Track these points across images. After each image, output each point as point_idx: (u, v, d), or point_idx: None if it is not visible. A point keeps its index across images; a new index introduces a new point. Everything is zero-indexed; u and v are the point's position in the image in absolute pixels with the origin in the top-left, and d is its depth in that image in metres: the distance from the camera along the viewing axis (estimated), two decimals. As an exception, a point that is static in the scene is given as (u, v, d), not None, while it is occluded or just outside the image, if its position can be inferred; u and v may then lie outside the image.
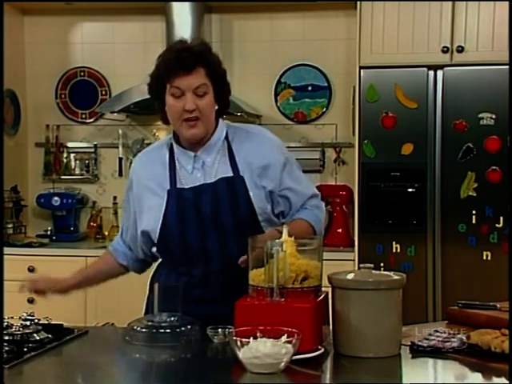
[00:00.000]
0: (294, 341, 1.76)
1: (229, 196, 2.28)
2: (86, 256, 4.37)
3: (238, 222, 2.26)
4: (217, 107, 2.32)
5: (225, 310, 2.02)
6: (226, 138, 2.37)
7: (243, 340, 1.76)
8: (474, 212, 4.04)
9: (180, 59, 2.22)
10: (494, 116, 4.00)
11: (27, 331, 2.03)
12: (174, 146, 2.37)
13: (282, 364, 1.74)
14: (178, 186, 2.31)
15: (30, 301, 4.21)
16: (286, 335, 1.78)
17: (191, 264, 2.31)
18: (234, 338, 1.77)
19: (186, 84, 2.23)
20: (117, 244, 2.51)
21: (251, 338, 1.77)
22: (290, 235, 2.03)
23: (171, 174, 2.33)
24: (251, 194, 2.29)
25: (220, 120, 2.38)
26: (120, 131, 4.92)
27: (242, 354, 1.75)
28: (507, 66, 3.86)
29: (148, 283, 2.49)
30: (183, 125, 2.27)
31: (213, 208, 2.27)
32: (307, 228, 2.39)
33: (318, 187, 4.66)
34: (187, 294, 2.22)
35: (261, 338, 1.78)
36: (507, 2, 3.86)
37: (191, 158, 2.34)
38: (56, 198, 4.84)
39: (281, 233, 2.07)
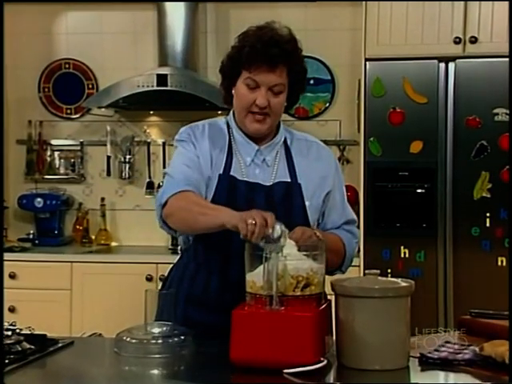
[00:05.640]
0: None
1: (284, 202, 2.28)
2: (71, 261, 4.38)
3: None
4: (285, 104, 2.32)
5: None
6: (285, 141, 2.39)
7: None
8: (487, 214, 4.05)
9: (267, 53, 2.20)
10: (509, 112, 4.01)
11: (8, 342, 2.02)
12: (236, 132, 2.35)
13: None
14: (232, 173, 2.30)
15: (11, 309, 4.22)
16: None
17: (229, 262, 2.26)
18: None
19: (264, 80, 2.22)
20: (187, 181, 2.25)
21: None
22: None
23: (227, 159, 2.31)
24: (307, 203, 2.29)
25: (280, 121, 2.39)
26: (108, 128, 4.92)
27: None
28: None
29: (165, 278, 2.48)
30: (249, 116, 2.28)
31: (265, 209, 2.10)
32: (340, 246, 2.35)
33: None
34: (213, 299, 2.25)
35: None
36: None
37: (254, 150, 2.33)
38: (39, 199, 4.83)
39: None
